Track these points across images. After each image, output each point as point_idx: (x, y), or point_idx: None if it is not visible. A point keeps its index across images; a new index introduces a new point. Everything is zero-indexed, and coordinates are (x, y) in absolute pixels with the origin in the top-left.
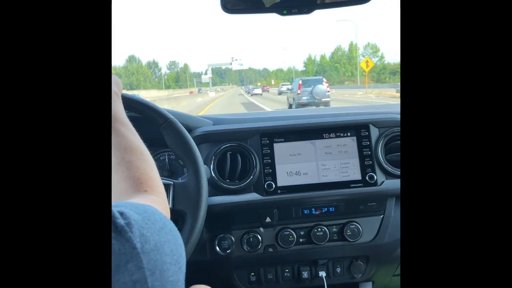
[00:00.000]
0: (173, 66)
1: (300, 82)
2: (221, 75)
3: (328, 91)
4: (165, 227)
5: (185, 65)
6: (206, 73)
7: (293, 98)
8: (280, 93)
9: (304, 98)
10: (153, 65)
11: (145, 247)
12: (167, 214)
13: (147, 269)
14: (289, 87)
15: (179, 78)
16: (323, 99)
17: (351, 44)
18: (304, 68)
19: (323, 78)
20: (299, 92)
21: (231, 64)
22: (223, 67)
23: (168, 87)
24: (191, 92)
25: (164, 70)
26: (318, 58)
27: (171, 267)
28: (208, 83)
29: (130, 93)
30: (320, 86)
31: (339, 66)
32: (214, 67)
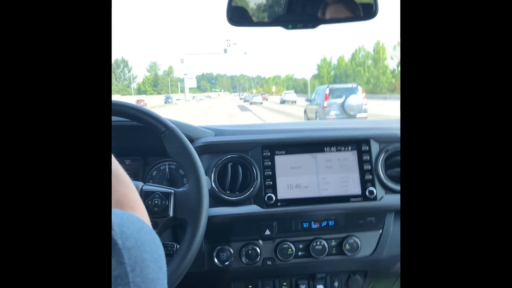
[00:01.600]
0: (154, 68)
1: (327, 91)
2: (211, 81)
3: (365, 104)
4: (144, 228)
5: (170, 67)
6: (182, 62)
7: (316, 112)
8: (283, 101)
9: (333, 113)
10: (122, 63)
11: (126, 244)
12: (147, 221)
13: (128, 264)
14: (308, 97)
15: (158, 82)
16: (358, 115)
17: (377, 44)
18: (316, 72)
19: (358, 85)
20: (325, 105)
21: (225, 51)
22: (215, 71)
23: (143, 92)
24: (138, 102)
25: (144, 73)
26: (334, 61)
27: (151, 264)
28: (195, 88)
29: None
30: (354, 97)
31: (361, 70)
32: (195, 55)
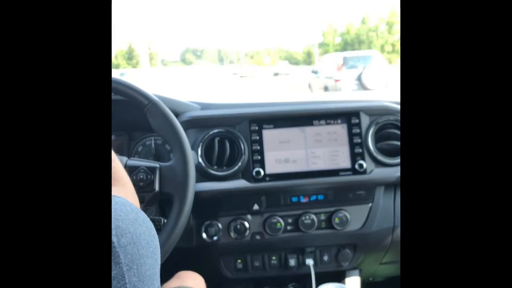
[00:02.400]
0: (128, 39)
1: (340, 60)
2: (196, 53)
3: (387, 75)
4: (138, 218)
5: (149, 40)
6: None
7: (325, 87)
8: (276, 74)
9: (348, 86)
10: None
11: (122, 241)
12: (136, 204)
13: (124, 264)
14: (313, 68)
15: (133, 55)
16: (378, 88)
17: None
18: (322, 40)
19: (377, 53)
20: (337, 77)
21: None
22: (201, 44)
23: (115, 66)
24: None
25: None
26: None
27: (148, 260)
28: (178, 61)
29: None
30: (373, 66)
31: (374, 37)
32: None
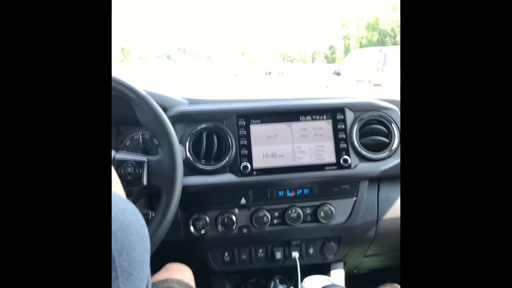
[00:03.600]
0: None
1: (381, 57)
2: (184, 50)
3: None
4: (127, 208)
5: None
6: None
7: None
8: (268, 73)
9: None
10: None
11: (112, 227)
12: (122, 194)
13: (114, 249)
14: (336, 69)
15: None
16: None
17: None
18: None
19: None
20: (377, 82)
21: None
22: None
23: None
24: None
25: None
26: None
27: (138, 247)
28: (160, 57)
29: None
30: None
31: None
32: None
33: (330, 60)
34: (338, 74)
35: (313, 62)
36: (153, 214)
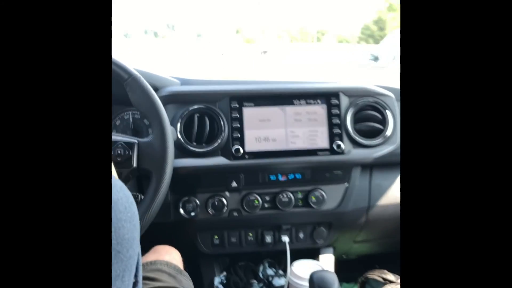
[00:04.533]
0: None
1: None
2: (173, 27)
3: None
4: (115, 185)
5: None
6: None
7: None
8: (264, 52)
9: None
10: None
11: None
12: (113, 174)
13: None
14: (375, 53)
15: None
16: None
17: None
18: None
19: None
20: None
21: None
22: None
23: None
24: None
25: None
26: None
27: (126, 224)
28: (146, 33)
29: None
30: None
31: None
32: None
33: (376, 39)
34: (376, 59)
35: (318, 41)
36: (142, 197)
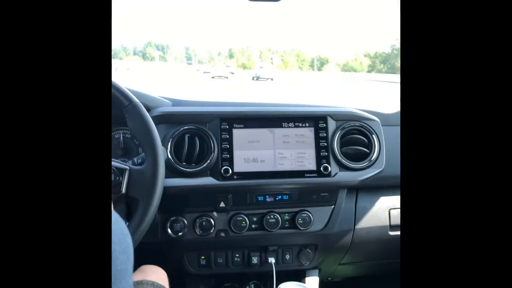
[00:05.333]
0: None
1: None
2: (162, 49)
3: None
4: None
5: None
6: None
7: None
8: (257, 78)
9: None
10: None
11: None
12: None
13: None
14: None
15: None
16: None
17: None
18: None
19: None
20: None
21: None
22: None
23: None
24: None
25: None
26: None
27: (120, 255)
28: (139, 55)
29: None
30: None
31: None
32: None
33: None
34: None
35: (319, 69)
36: (127, 224)
